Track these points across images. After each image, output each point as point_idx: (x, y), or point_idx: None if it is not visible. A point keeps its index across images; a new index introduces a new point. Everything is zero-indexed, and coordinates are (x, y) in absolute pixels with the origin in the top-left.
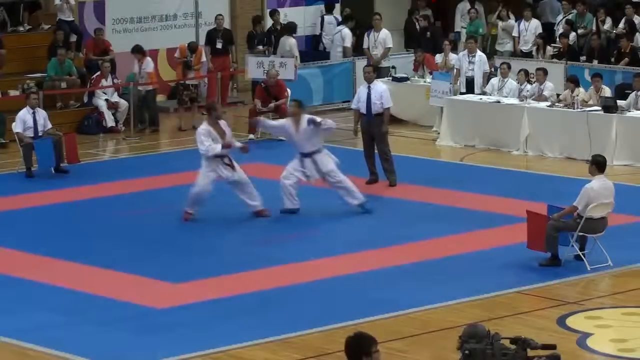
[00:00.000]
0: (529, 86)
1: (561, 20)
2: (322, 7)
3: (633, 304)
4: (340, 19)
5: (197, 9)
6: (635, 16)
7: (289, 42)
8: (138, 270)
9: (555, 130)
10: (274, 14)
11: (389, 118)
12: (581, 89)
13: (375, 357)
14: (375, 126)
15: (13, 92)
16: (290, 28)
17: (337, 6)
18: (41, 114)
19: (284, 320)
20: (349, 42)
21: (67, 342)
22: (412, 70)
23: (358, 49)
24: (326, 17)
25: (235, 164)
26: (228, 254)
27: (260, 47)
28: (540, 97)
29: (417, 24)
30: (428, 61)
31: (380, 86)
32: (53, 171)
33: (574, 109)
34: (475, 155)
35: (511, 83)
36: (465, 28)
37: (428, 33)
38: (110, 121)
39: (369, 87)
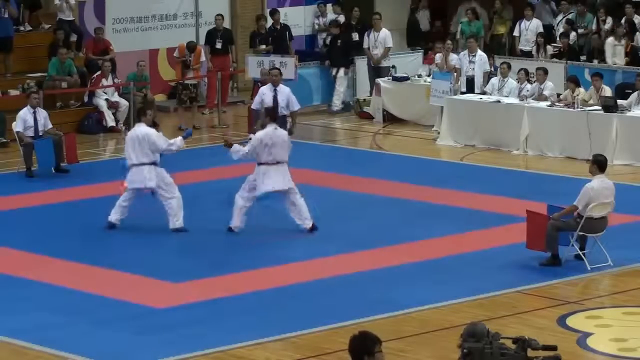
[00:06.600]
0: (529, 86)
1: (561, 20)
2: (315, 7)
3: (633, 304)
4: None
5: (197, 8)
6: (635, 16)
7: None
8: (138, 270)
9: (555, 129)
10: (274, 13)
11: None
12: (581, 89)
13: (377, 357)
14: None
15: (13, 92)
16: None
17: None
18: (42, 113)
19: (284, 320)
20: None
21: (67, 342)
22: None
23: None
24: (339, 18)
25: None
26: (228, 253)
27: (263, 47)
28: (540, 97)
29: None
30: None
31: (285, 89)
32: (53, 171)
33: (574, 108)
34: (475, 155)
35: (511, 83)
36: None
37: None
38: (110, 121)
39: (275, 90)
